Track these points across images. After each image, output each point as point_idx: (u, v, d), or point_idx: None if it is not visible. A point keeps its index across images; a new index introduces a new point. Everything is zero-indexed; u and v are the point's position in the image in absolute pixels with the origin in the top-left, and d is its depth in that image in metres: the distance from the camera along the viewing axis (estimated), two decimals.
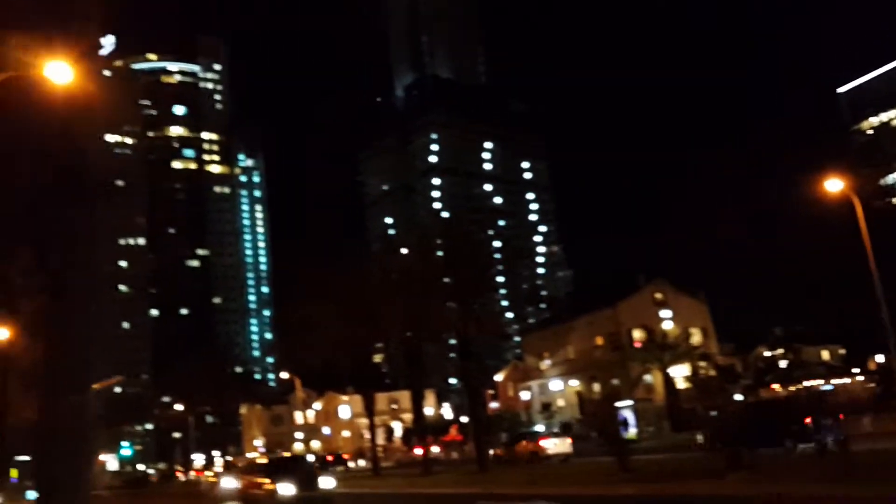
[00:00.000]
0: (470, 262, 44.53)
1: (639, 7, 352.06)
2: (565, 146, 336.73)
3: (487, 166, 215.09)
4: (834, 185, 42.10)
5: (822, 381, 56.97)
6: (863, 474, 18.50)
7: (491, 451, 48.66)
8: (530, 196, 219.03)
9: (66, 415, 11.26)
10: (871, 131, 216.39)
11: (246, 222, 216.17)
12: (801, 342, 75.96)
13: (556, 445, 46.90)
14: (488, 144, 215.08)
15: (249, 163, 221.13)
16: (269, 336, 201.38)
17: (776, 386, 57.73)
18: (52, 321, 11.77)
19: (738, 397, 59.51)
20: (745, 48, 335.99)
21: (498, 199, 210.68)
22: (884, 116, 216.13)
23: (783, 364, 71.44)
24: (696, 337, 74.20)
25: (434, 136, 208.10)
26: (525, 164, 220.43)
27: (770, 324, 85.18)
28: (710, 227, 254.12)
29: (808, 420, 26.85)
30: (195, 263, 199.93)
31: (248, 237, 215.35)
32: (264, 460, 42.20)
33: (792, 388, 54.25)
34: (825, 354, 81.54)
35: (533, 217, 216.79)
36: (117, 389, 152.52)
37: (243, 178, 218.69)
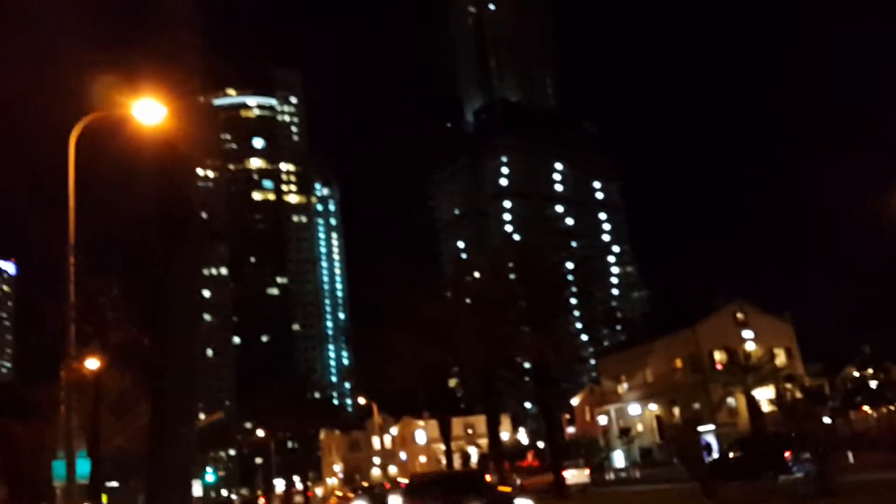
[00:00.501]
0: (543, 285, 44.48)
1: (710, 25, 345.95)
2: (638, 165, 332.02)
3: (558, 188, 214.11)
4: None
5: None
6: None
7: (518, 481, 48.66)
8: (602, 216, 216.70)
9: (174, 444, 11.98)
10: None
11: (322, 250, 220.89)
12: (893, 361, 72.30)
13: (573, 476, 47.80)
14: (559, 166, 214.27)
15: (325, 192, 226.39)
16: (345, 361, 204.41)
17: (867, 408, 55.08)
18: (160, 354, 12.61)
19: (827, 420, 57.11)
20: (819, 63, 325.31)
21: (570, 221, 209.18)
22: None
23: (874, 384, 68.11)
24: (780, 358, 71.63)
25: (504, 158, 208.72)
26: (596, 185, 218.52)
27: (859, 342, 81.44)
28: (793, 242, 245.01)
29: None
30: (275, 291, 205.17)
31: (324, 264, 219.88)
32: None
33: (885, 410, 51.65)
34: None
35: (606, 237, 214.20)
36: (201, 416, 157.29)
37: (319, 207, 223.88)
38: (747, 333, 72.61)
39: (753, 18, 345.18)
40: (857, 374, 76.39)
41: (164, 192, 13.22)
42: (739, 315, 74.07)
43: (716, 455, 35.86)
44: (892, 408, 50.18)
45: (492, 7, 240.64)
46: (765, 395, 65.95)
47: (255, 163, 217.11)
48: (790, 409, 58.01)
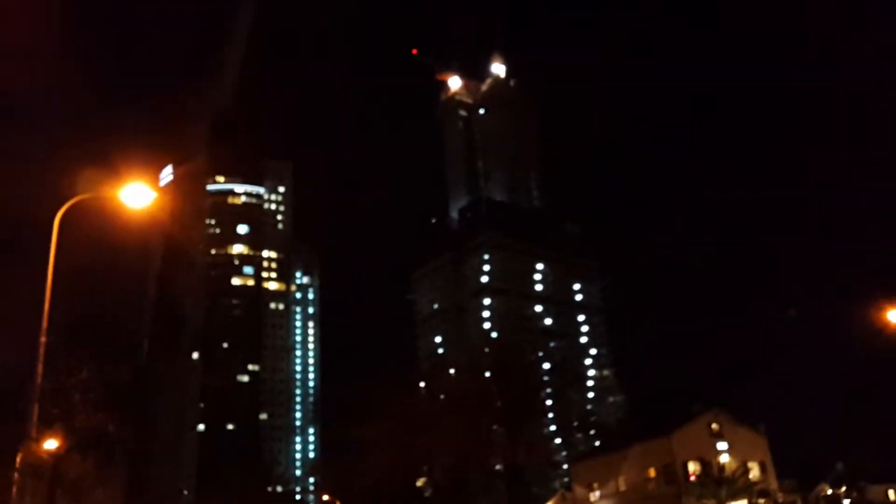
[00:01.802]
0: (519, 385, 44.31)
1: (695, 125, 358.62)
2: (620, 269, 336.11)
3: (539, 287, 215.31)
4: None
5: None
6: None
7: None
8: (581, 318, 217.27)
9: None
10: None
11: (298, 338, 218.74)
12: (866, 479, 71.68)
13: None
14: (540, 266, 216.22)
15: (305, 280, 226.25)
16: (311, 455, 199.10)
17: None
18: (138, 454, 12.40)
19: None
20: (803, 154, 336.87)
21: (548, 321, 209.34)
22: None
23: (847, 503, 67.36)
24: (754, 471, 70.85)
25: (486, 256, 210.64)
26: (576, 286, 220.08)
27: (833, 459, 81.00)
28: (772, 357, 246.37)
29: None
30: (245, 378, 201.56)
31: (299, 353, 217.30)
32: None
33: None
34: (892, 494, 76.54)
35: (584, 339, 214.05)
36: None
37: (298, 296, 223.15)
38: (722, 445, 71.96)
39: (733, 114, 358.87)
40: (830, 491, 75.58)
41: (162, 296, 13.34)
42: (714, 425, 73.56)
43: None
44: None
45: (482, 111, 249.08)
46: None
47: (238, 248, 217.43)
48: None
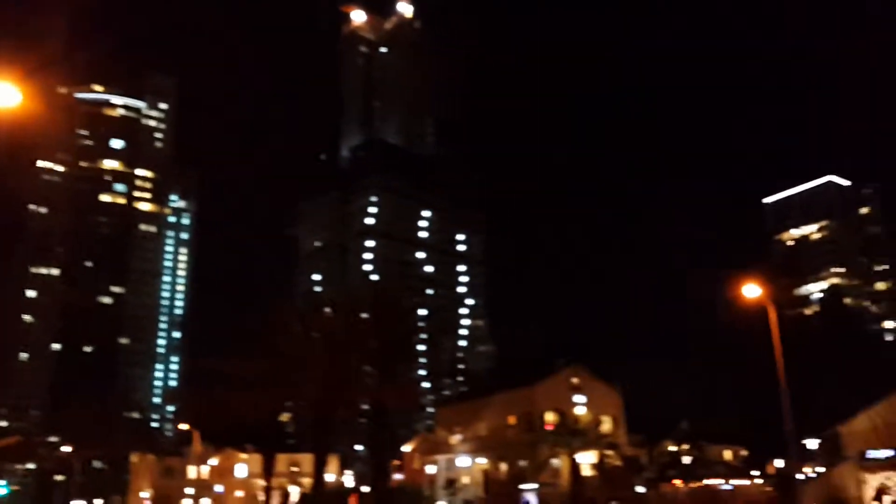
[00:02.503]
0: (395, 329, 44.10)
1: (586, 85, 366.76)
2: (505, 222, 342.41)
3: (423, 234, 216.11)
4: (752, 290, 43.92)
5: (722, 481, 57.97)
6: None
7: None
8: (462, 268, 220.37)
9: None
10: (791, 242, 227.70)
11: (168, 264, 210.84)
12: (706, 440, 77.36)
13: None
14: (427, 213, 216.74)
15: (181, 204, 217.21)
16: (173, 383, 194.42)
17: (677, 481, 58.47)
18: None
19: (641, 489, 59.97)
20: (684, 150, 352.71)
21: (429, 268, 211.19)
22: (804, 230, 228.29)
23: (687, 460, 72.47)
24: (606, 425, 74.62)
25: (374, 198, 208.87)
26: (461, 237, 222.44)
27: (678, 419, 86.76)
28: (635, 321, 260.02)
29: None
30: (108, 300, 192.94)
31: (167, 279, 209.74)
32: None
33: (692, 485, 55.04)
34: (727, 454, 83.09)
35: (462, 289, 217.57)
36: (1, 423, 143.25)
37: (172, 219, 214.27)
38: (579, 398, 75.31)
39: (633, 83, 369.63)
40: (673, 448, 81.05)
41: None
42: (574, 380, 76.69)
43: None
44: (701, 483, 53.60)
45: (384, 50, 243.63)
46: (587, 460, 68.30)
47: (110, 164, 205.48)
48: (608, 475, 60.41)
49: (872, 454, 35.74)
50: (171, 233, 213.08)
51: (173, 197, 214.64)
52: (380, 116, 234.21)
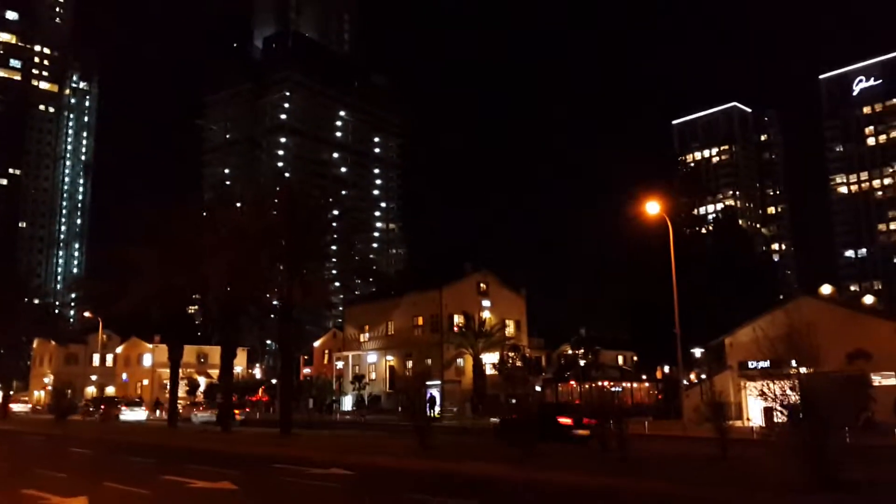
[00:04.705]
0: (305, 227, 43.92)
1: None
2: (421, 126, 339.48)
3: (338, 134, 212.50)
4: (653, 207, 46.23)
5: (613, 383, 62.30)
6: (633, 468, 21.28)
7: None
8: (376, 171, 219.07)
9: None
10: (693, 164, 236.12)
11: (69, 147, 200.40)
12: (601, 345, 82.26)
13: (133, 412, 69.26)
14: (342, 113, 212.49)
15: (83, 85, 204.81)
16: (75, 270, 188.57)
17: (573, 382, 62.40)
18: None
19: (538, 388, 63.76)
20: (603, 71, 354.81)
21: (343, 169, 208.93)
22: (706, 153, 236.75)
23: (583, 363, 77.14)
24: (510, 328, 78.16)
25: (288, 93, 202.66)
26: (376, 139, 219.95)
27: (577, 325, 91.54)
28: (543, 231, 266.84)
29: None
30: (3, 182, 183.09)
31: (68, 163, 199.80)
32: None
33: (586, 386, 58.93)
34: (620, 359, 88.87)
35: (376, 192, 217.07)
36: None
37: (73, 101, 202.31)
38: (486, 302, 78.28)
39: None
40: (570, 352, 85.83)
41: None
42: (482, 285, 79.41)
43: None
44: (594, 384, 57.65)
45: None
46: (490, 360, 71.70)
47: (4, 37, 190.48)
48: (510, 374, 63.78)
49: (752, 364, 39.19)
50: (72, 115, 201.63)
51: (74, 77, 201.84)
52: (296, 7, 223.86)
